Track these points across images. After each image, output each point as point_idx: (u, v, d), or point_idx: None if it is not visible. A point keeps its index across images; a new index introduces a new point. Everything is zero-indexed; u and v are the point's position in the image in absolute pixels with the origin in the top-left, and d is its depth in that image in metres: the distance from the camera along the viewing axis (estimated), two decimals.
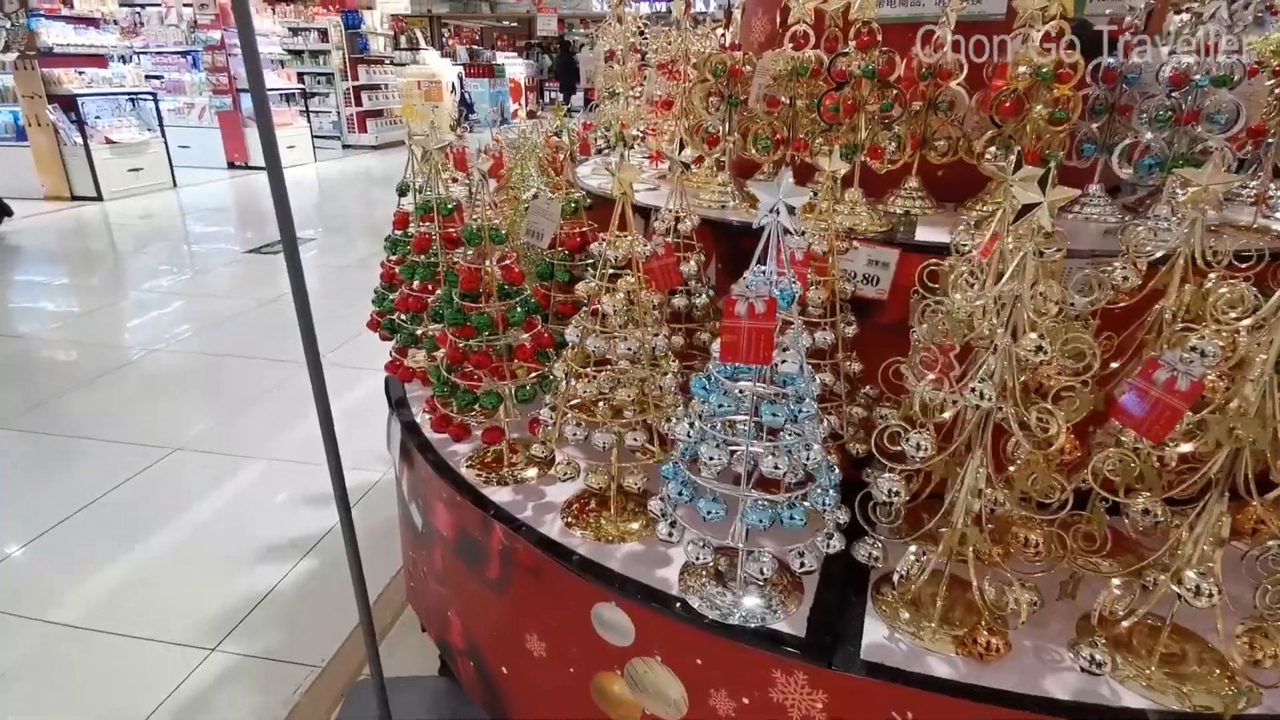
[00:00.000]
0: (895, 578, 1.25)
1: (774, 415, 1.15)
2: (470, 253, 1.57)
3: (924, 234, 1.65)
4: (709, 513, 1.20)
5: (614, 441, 1.40)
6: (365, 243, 8.53)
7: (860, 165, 1.68)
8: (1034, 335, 1.04)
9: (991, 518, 1.19)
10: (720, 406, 1.18)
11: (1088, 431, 1.32)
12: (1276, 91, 1.57)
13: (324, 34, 14.17)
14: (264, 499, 3.35)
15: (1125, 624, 1.18)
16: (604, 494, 1.55)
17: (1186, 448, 1.09)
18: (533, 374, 1.63)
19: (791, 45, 1.67)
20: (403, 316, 1.89)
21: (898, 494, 1.25)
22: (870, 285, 1.56)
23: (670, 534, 1.28)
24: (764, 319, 1.13)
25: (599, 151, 2.45)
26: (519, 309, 1.55)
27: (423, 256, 1.81)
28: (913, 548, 1.24)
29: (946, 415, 1.15)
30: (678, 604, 1.35)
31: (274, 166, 1.36)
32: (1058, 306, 1.04)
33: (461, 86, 17.14)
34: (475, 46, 21.21)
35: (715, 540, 1.27)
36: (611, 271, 1.42)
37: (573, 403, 1.48)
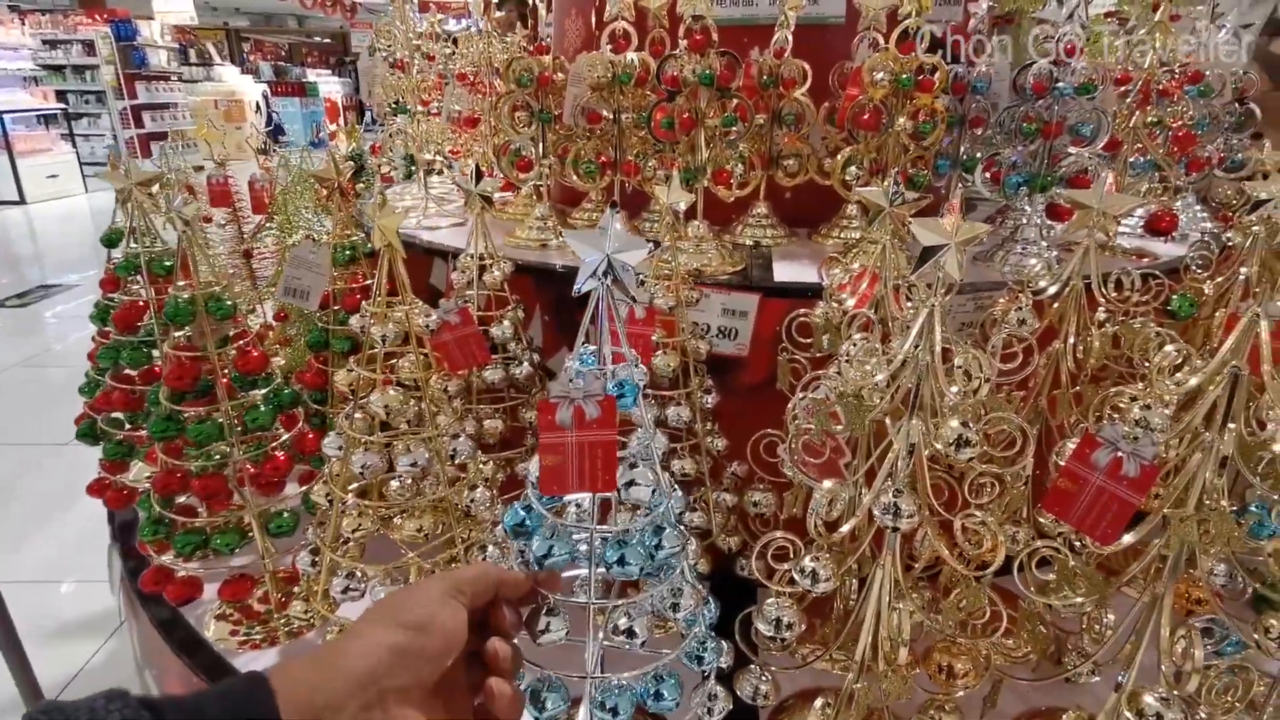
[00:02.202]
0: None
1: (623, 565, 0.80)
2: (183, 334, 1.10)
3: (782, 271, 1.39)
4: (548, 709, 0.83)
5: None
6: None
7: (702, 192, 1.39)
8: (955, 423, 0.77)
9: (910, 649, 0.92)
10: (549, 555, 0.82)
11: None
12: (1128, 100, 1.48)
13: (90, 47, 12.30)
14: None
15: None
16: None
17: (1129, 539, 0.88)
18: (296, 491, 1.18)
19: (610, 47, 1.36)
20: (107, 418, 1.36)
21: (790, 626, 0.95)
22: (727, 340, 1.27)
23: None
24: (600, 426, 0.78)
25: (384, 179, 2.02)
26: (263, 407, 1.10)
27: (131, 335, 1.30)
28: (818, 701, 0.94)
29: (846, 529, 0.87)
30: None
31: None
32: (984, 382, 0.78)
33: (268, 105, 15.67)
34: (282, 63, 19.55)
35: None
36: (388, 351, 1.02)
37: (357, 540, 1.05)
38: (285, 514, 1.15)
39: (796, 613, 0.95)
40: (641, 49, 1.43)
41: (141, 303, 1.35)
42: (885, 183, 1.00)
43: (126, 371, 1.39)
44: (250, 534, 1.13)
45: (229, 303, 1.09)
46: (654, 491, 0.82)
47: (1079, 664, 1.03)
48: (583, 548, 0.85)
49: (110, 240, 1.49)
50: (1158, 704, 0.85)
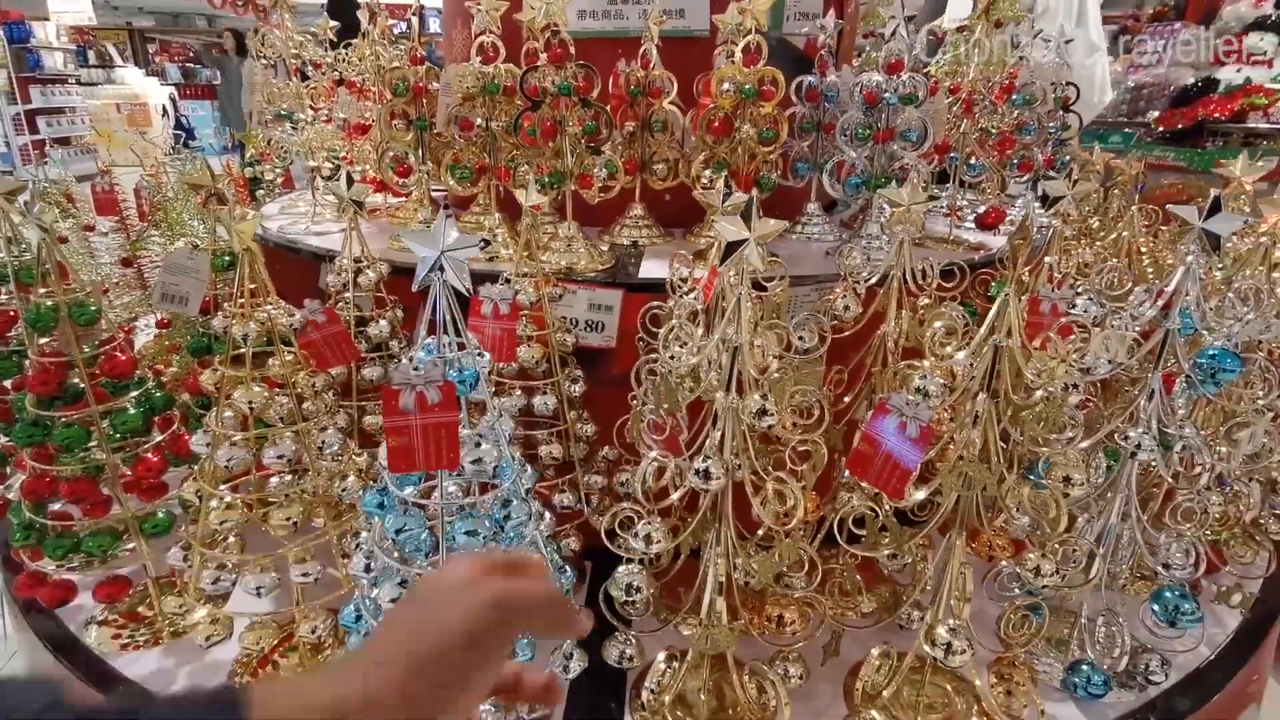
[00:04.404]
0: (645, 695, 1.05)
1: (470, 535, 0.88)
2: (46, 341, 1.12)
3: (650, 269, 1.49)
4: None
5: (271, 585, 1.04)
6: None
7: (573, 195, 1.48)
8: (757, 396, 0.88)
9: (745, 601, 1.03)
10: (400, 531, 0.89)
11: (831, 474, 1.22)
12: (954, 109, 1.64)
13: None
14: None
15: (888, 692, 1.07)
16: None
17: (920, 495, 1.01)
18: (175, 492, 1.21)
19: (480, 59, 1.43)
20: None
21: (639, 590, 1.04)
22: (595, 333, 1.36)
23: None
24: (441, 410, 0.86)
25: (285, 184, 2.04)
26: (132, 410, 1.13)
27: (1, 345, 1.30)
28: (661, 655, 1.04)
29: (675, 498, 0.97)
30: None
31: None
32: (777, 360, 0.89)
33: (176, 109, 15.01)
34: (191, 64, 18.69)
35: None
36: (257, 351, 1.07)
37: (226, 533, 1.09)
38: (160, 514, 1.18)
39: (646, 578, 1.05)
40: (515, 59, 1.51)
41: (11, 312, 1.35)
42: (717, 184, 1.10)
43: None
44: (124, 536, 1.16)
45: (93, 308, 1.11)
46: (496, 466, 0.90)
47: (908, 610, 1.17)
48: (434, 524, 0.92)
49: None
50: (947, 634, 0.98)
